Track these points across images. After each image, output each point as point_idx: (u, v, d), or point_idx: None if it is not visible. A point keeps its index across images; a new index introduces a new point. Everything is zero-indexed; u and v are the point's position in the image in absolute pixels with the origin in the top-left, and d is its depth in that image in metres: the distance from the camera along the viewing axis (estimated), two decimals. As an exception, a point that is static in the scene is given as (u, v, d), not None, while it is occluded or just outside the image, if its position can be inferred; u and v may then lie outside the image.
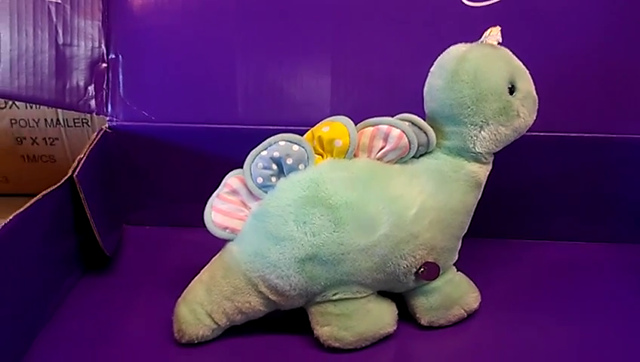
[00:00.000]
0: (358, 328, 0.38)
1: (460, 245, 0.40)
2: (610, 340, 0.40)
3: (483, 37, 0.37)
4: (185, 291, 0.39)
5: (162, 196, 0.51)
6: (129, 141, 0.48)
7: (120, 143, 0.48)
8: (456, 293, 0.40)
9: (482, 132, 0.37)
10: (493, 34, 0.37)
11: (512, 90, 0.36)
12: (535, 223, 0.50)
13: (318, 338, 0.38)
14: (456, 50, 0.37)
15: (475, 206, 0.39)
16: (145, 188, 0.51)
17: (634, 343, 0.40)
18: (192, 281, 0.39)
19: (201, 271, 0.40)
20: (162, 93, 0.48)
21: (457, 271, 0.41)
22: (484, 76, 0.36)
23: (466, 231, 0.39)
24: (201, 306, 0.38)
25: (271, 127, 0.46)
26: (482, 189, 0.39)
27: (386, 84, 0.47)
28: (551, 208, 0.49)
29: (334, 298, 0.37)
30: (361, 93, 0.47)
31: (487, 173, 0.39)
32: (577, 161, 0.47)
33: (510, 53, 0.37)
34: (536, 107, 0.38)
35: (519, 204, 0.49)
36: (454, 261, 0.40)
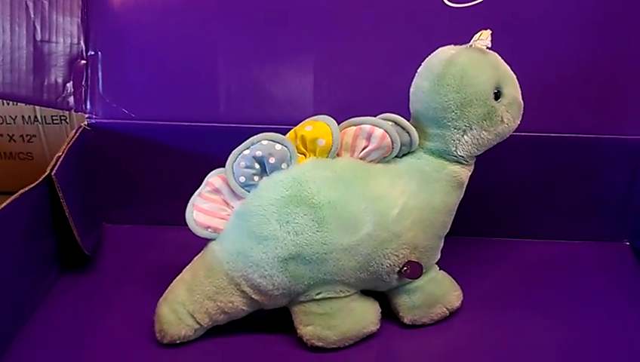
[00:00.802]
0: (342, 327, 0.38)
1: (442, 244, 0.40)
2: (591, 336, 0.40)
3: (472, 40, 0.37)
4: (166, 291, 0.39)
5: (142, 194, 0.50)
6: (108, 138, 0.48)
7: (99, 141, 0.48)
8: (438, 292, 0.40)
9: (465, 136, 0.37)
10: (483, 37, 0.36)
11: (497, 95, 0.36)
12: (516, 222, 0.50)
13: (301, 337, 0.38)
14: (444, 53, 0.37)
15: (457, 205, 0.39)
16: (125, 187, 0.50)
17: (614, 339, 0.40)
18: (174, 281, 0.39)
19: (183, 271, 0.39)
20: (142, 90, 0.47)
21: (439, 269, 0.41)
22: (471, 81, 0.36)
23: (448, 230, 0.40)
24: (183, 306, 0.38)
25: (253, 126, 0.45)
26: (464, 189, 0.39)
27: (368, 84, 0.47)
28: (532, 207, 0.49)
29: (318, 297, 0.37)
30: (343, 92, 0.47)
31: (469, 173, 0.39)
32: (558, 161, 0.47)
33: (499, 57, 0.37)
34: (521, 112, 0.38)
35: (500, 203, 0.49)
36: (437, 260, 0.40)
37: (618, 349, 0.40)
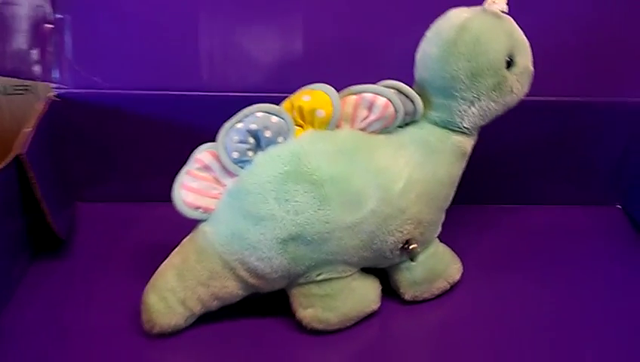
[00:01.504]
0: (343, 308, 0.36)
1: (443, 217, 0.38)
2: (591, 302, 0.40)
3: (487, 2, 0.34)
4: (153, 277, 0.36)
5: (119, 170, 0.47)
6: (79, 110, 0.44)
7: (69, 113, 0.44)
8: (440, 266, 0.39)
9: (472, 107, 0.35)
10: (498, 0, 0.34)
11: (509, 64, 0.34)
12: (510, 188, 0.49)
13: (300, 320, 0.36)
14: (456, 17, 0.34)
15: (459, 177, 0.38)
16: (99, 162, 0.47)
17: (614, 305, 0.40)
18: (161, 266, 0.36)
19: (171, 255, 0.36)
20: (116, 57, 0.44)
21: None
22: (483, 49, 0.33)
23: (450, 203, 0.38)
24: (173, 293, 0.35)
25: (239, 94, 0.43)
26: (467, 160, 0.37)
27: (362, 48, 0.44)
28: (526, 173, 0.48)
29: (318, 278, 0.35)
30: (335, 56, 0.44)
31: (473, 143, 0.37)
32: (553, 126, 0.46)
33: (513, 23, 0.35)
34: (530, 81, 0.36)
35: (494, 170, 0.47)
36: (438, 233, 0.39)
37: (618, 314, 0.39)
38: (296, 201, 0.33)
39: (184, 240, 0.36)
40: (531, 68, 0.35)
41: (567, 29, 0.44)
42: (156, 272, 0.36)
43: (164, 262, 0.36)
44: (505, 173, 0.48)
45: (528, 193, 0.49)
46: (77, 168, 0.46)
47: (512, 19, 0.35)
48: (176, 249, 0.36)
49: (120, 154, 0.46)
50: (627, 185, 0.49)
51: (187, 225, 0.36)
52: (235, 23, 0.44)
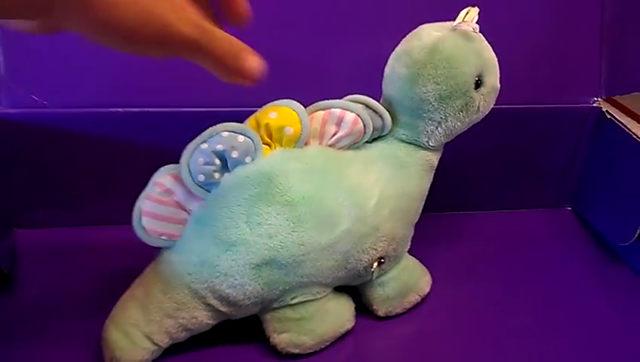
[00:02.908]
0: (319, 330, 0.35)
1: (413, 232, 0.38)
2: (554, 302, 0.41)
3: (458, 20, 0.33)
4: (114, 311, 0.34)
5: (61, 193, 0.43)
6: (17, 131, 0.40)
7: (6, 134, 0.40)
8: (411, 280, 0.39)
9: (439, 128, 0.34)
10: (469, 18, 0.33)
11: (478, 84, 0.34)
12: (463, 195, 0.49)
13: (274, 346, 0.35)
14: (427, 36, 0.33)
15: (427, 190, 0.37)
16: (38, 185, 0.43)
17: (575, 303, 0.41)
18: (122, 298, 0.34)
19: (132, 286, 0.34)
20: (55, 72, 0.40)
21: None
22: (453, 73, 0.33)
23: (419, 216, 0.37)
24: (137, 328, 0.33)
25: (194, 110, 0.41)
26: (434, 173, 0.37)
27: (324, 62, 0.42)
28: (479, 179, 0.49)
29: (293, 302, 0.34)
30: (297, 70, 0.42)
31: (439, 156, 0.37)
32: (502, 132, 0.46)
33: (484, 42, 0.34)
34: (496, 97, 0.35)
35: (447, 177, 0.46)
36: (408, 248, 0.38)
37: (580, 312, 0.40)
38: (269, 224, 0.32)
39: (146, 269, 0.34)
40: (498, 85, 0.35)
41: (512, 37, 0.44)
42: (116, 305, 0.34)
43: (125, 294, 0.34)
44: (456, 180, 0.48)
45: (481, 199, 0.50)
46: (14, 193, 0.42)
47: (482, 38, 0.34)
48: (137, 279, 0.34)
49: (62, 177, 0.43)
50: (576, 187, 0.50)
51: (143, 250, 0.33)
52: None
